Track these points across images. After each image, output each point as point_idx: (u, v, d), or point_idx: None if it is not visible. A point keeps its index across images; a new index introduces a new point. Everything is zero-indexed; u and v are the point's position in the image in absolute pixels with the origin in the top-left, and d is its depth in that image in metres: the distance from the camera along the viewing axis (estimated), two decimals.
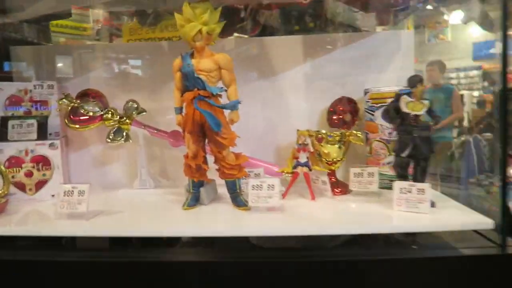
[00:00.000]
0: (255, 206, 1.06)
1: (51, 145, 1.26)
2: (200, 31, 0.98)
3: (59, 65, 1.45)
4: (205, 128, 1.04)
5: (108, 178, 1.47)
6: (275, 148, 1.44)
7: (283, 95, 1.42)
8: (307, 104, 1.42)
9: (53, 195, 1.26)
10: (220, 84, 1.06)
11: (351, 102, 1.34)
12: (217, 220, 1.07)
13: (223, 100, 1.07)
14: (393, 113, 1.07)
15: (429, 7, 1.50)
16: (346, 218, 1.05)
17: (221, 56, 1.02)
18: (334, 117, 1.36)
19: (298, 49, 1.40)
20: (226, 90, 1.05)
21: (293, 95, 1.42)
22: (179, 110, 1.08)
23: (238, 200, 1.11)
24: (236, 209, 1.10)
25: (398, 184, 1.04)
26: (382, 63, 1.38)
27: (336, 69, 1.40)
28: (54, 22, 1.80)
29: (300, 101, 1.42)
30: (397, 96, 1.06)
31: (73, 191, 1.05)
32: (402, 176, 1.08)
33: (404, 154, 1.06)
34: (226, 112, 1.06)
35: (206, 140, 1.09)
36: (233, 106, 1.03)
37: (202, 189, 1.15)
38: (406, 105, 1.05)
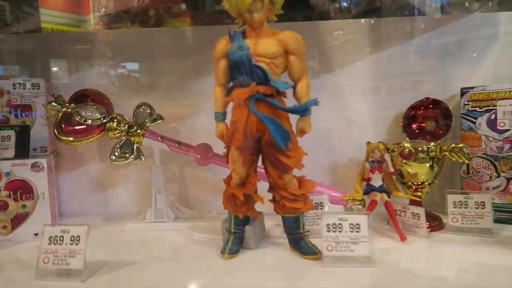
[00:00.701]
0: (331, 255, 0.72)
1: (34, 165, 0.92)
2: None
3: (49, 59, 1.11)
4: (264, 142, 0.70)
5: (112, 207, 1.13)
6: (329, 167, 1.10)
7: (340, 96, 1.09)
8: (373, 108, 1.08)
9: (36, 234, 0.92)
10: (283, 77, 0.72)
11: (438, 104, 1.01)
12: (276, 276, 0.71)
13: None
14: None
15: None
16: (485, 278, 0.68)
17: (290, 35, 0.69)
18: (414, 125, 1.03)
19: (362, 37, 1.07)
20: (294, 86, 0.71)
21: (354, 96, 1.08)
22: (221, 117, 0.75)
23: (303, 245, 0.77)
24: (301, 257, 0.76)
25: None
26: (474, 55, 1.05)
27: (412, 63, 1.07)
28: (48, 26, 1.49)
29: (364, 104, 1.08)
30: None
31: (63, 236, 0.71)
32: None
33: None
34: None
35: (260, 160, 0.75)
36: (307, 110, 0.69)
37: (248, 228, 0.81)
38: None
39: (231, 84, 0.74)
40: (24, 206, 0.91)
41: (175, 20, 1.34)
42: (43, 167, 0.92)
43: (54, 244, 0.71)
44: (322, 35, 1.07)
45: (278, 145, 0.66)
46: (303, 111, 0.69)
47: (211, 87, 0.75)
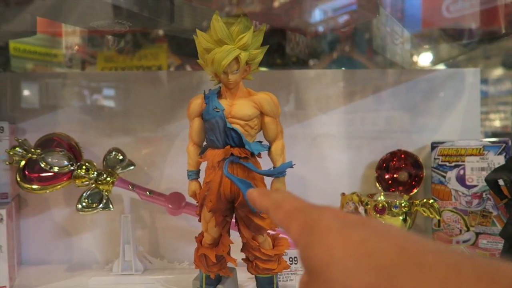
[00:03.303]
0: None
1: None
2: (237, 59, 0.65)
3: (16, 97, 1.07)
4: (237, 204, 0.68)
5: (77, 255, 1.07)
6: None
7: (316, 145, 1.09)
8: (347, 157, 1.09)
9: None
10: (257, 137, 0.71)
11: (409, 157, 1.04)
12: None
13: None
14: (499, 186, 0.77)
15: None
16: None
17: (266, 97, 0.68)
18: (387, 176, 1.04)
19: (337, 87, 1.09)
20: (269, 147, 0.71)
21: (330, 145, 1.09)
22: (194, 175, 0.73)
23: None
24: None
25: None
26: (442, 109, 1.09)
27: (383, 114, 1.10)
28: (16, 46, 1.44)
29: (339, 153, 1.09)
30: (510, 161, 0.76)
31: None
32: None
33: None
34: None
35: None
36: (282, 173, 0.68)
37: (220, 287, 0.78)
38: None
39: (204, 143, 0.73)
40: None
41: (152, 46, 1.34)
42: (2, 219, 0.86)
43: None
44: (296, 82, 1.08)
45: (252, 210, 0.65)
46: (277, 174, 0.68)
47: (187, 132, 0.74)
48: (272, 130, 0.69)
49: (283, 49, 1.15)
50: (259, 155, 0.71)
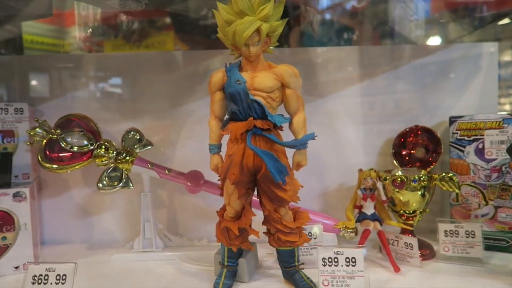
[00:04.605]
0: None
1: (16, 195, 0.87)
2: (258, 30, 0.65)
3: (33, 82, 1.08)
4: (260, 176, 0.69)
5: (97, 234, 1.09)
6: (320, 192, 1.10)
7: (331, 122, 1.09)
8: (363, 134, 1.09)
9: (17, 267, 0.87)
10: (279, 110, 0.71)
11: (427, 132, 1.03)
12: None
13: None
14: None
15: None
16: None
17: (287, 69, 0.68)
18: (404, 152, 1.04)
19: (352, 64, 1.08)
20: (290, 120, 0.71)
21: (344, 122, 1.09)
22: (216, 149, 0.73)
23: (298, 278, 0.75)
24: None
25: None
26: (459, 84, 1.08)
27: (400, 89, 1.09)
28: (28, 38, 1.46)
29: (354, 130, 1.09)
30: None
31: (48, 275, 0.67)
32: None
33: None
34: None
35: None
36: (304, 144, 0.69)
37: (242, 261, 0.79)
38: None
39: (226, 117, 0.73)
40: (4, 238, 0.87)
41: (159, 34, 1.33)
42: (25, 197, 0.88)
43: (39, 283, 0.67)
44: (312, 60, 1.08)
45: (275, 181, 0.65)
46: (300, 145, 0.68)
47: (202, 111, 0.74)
48: (293, 102, 0.69)
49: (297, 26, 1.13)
50: (280, 127, 0.71)
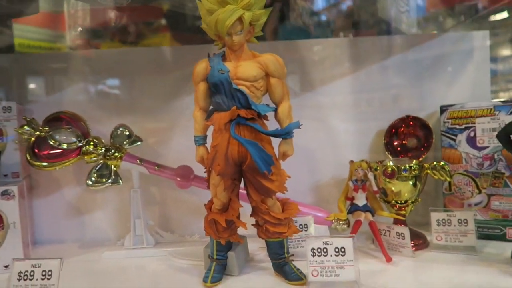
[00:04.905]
0: (316, 280, 0.70)
1: (4, 193, 0.87)
2: (240, 19, 0.64)
3: (23, 79, 1.07)
4: (245, 167, 0.68)
5: (89, 233, 1.08)
6: (312, 186, 1.09)
7: (322, 114, 1.08)
8: (354, 125, 1.08)
9: (6, 267, 0.87)
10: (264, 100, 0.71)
11: (418, 122, 1.02)
12: None
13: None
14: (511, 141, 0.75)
15: None
16: None
17: (271, 58, 0.68)
18: (396, 143, 1.03)
19: (341, 55, 1.08)
20: (275, 109, 0.70)
21: (335, 113, 1.08)
22: (201, 141, 0.72)
23: (287, 270, 0.74)
24: (286, 283, 0.74)
25: None
26: (451, 73, 1.07)
27: (391, 80, 1.08)
28: (21, 41, 1.45)
29: (345, 121, 1.08)
30: None
31: (33, 271, 0.67)
32: None
33: None
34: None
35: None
36: (289, 133, 0.68)
37: (231, 254, 0.78)
38: None
39: (211, 107, 0.72)
40: None
41: (155, 36, 1.33)
42: (14, 195, 0.87)
43: (24, 280, 0.66)
44: (302, 53, 1.07)
45: (260, 170, 0.64)
46: (285, 134, 0.67)
47: (192, 107, 0.73)
48: (278, 91, 0.68)
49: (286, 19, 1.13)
50: (265, 117, 0.70)
